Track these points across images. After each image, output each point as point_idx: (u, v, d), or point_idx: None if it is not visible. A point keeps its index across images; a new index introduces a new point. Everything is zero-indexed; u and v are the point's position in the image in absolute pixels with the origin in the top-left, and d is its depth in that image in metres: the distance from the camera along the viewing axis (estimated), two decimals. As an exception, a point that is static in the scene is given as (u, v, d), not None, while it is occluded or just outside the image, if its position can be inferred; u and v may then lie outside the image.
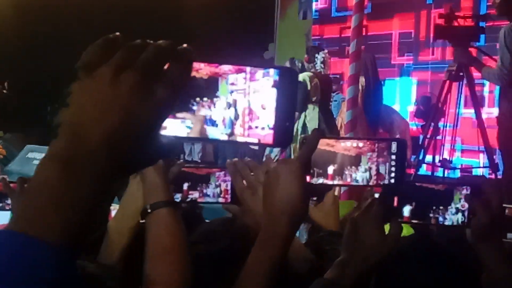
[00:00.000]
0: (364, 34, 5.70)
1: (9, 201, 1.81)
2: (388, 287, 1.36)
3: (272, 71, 0.72)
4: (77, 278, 0.60)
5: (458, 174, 6.50)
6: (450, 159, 5.29)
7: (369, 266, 1.22)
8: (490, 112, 6.43)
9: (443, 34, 4.98)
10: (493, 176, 4.82)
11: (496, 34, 4.53)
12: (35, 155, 4.98)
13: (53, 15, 8.25)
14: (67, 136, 0.61)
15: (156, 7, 8.80)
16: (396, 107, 7.65)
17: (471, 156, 7.03)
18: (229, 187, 1.58)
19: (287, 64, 6.85)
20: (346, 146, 1.20)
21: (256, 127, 0.72)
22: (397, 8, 8.34)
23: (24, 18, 8.40)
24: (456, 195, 1.29)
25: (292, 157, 6.31)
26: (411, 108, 7.56)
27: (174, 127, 0.71)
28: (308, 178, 1.11)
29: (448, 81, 5.03)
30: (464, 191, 1.29)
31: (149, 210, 1.28)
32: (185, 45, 0.67)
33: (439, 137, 5.19)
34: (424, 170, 5.55)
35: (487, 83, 6.33)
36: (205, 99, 0.71)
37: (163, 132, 0.69)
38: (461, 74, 4.91)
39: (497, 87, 4.94)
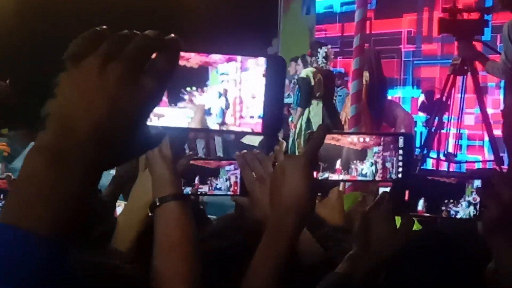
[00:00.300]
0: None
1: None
2: (397, 282, 1.35)
3: (261, 59, 0.72)
4: (67, 269, 0.59)
5: (464, 168, 6.48)
6: (455, 153, 5.28)
7: (380, 260, 1.21)
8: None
9: (447, 28, 4.95)
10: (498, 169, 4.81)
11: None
12: (40, 152, 4.96)
13: (54, 13, 8.25)
14: (55, 127, 0.61)
15: (157, 4, 8.78)
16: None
17: (475, 153, 7.02)
18: (238, 180, 1.57)
19: (300, 62, 6.84)
20: (352, 140, 1.20)
21: (249, 116, 0.72)
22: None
23: (25, 16, 8.41)
24: (468, 188, 1.28)
25: (297, 153, 6.31)
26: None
27: (174, 116, 0.71)
28: (315, 173, 1.10)
29: (452, 75, 5.01)
30: (476, 184, 1.28)
31: (157, 203, 1.26)
32: (172, 35, 0.66)
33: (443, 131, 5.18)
34: (429, 164, 5.54)
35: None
36: (194, 88, 0.71)
37: (162, 122, 0.69)
38: (465, 68, 4.90)
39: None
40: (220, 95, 0.72)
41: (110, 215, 2.04)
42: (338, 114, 6.78)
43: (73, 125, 0.60)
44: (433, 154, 5.24)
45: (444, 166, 5.32)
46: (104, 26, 0.65)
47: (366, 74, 5.57)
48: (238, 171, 1.55)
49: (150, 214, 1.29)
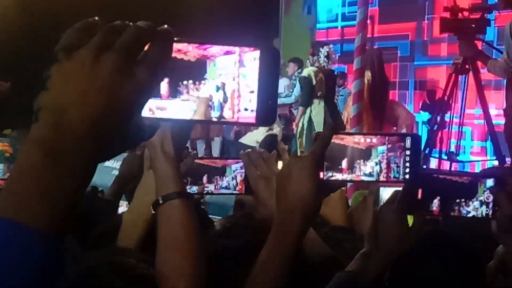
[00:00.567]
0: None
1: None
2: (402, 280, 1.35)
3: (258, 52, 0.72)
4: (63, 263, 0.59)
5: (468, 168, 6.47)
6: (457, 152, 5.27)
7: (392, 259, 1.21)
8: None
9: (449, 27, 4.95)
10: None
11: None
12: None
13: (56, 13, 8.26)
14: (48, 120, 0.60)
15: (158, 2, 8.78)
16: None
17: (479, 155, 7.03)
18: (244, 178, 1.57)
19: (310, 58, 6.82)
20: (356, 140, 1.20)
21: (246, 109, 0.72)
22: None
23: (27, 16, 8.41)
24: (481, 187, 1.28)
25: (298, 152, 6.31)
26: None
27: (177, 109, 0.70)
28: (321, 174, 1.10)
29: (454, 74, 5.00)
30: (488, 183, 1.27)
31: (161, 202, 1.25)
32: (165, 25, 0.66)
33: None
34: (433, 164, 5.52)
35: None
36: (190, 81, 0.71)
37: (164, 115, 0.69)
38: (467, 67, 4.89)
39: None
40: (218, 88, 0.72)
41: (113, 214, 2.05)
42: (340, 113, 6.78)
43: (66, 117, 0.60)
44: (435, 154, 5.22)
45: (446, 166, 5.30)
46: (96, 18, 0.65)
47: (368, 74, 5.57)
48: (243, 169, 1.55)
49: (153, 212, 1.29)
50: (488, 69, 4.66)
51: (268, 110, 0.72)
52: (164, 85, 0.70)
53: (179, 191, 1.26)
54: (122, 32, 0.63)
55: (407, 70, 8.33)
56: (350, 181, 1.19)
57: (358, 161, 1.18)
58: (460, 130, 5.28)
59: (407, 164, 1.18)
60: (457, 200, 1.28)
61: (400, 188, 1.27)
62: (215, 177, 1.57)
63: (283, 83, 7.97)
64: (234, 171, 1.57)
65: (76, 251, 1.38)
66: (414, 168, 1.19)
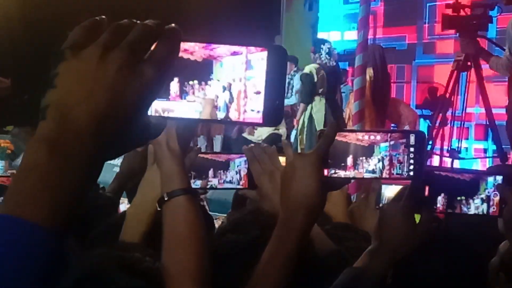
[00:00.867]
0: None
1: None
2: (405, 278, 1.35)
3: (265, 53, 0.71)
4: (66, 259, 0.59)
5: (468, 164, 6.47)
6: (459, 149, 5.26)
7: (399, 256, 1.21)
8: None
9: (451, 24, 4.94)
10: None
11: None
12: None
13: (57, 10, 8.26)
14: (55, 117, 0.60)
15: (158, 2, 8.78)
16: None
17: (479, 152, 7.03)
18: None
19: (312, 55, 6.81)
20: (359, 137, 1.19)
21: (252, 110, 0.72)
22: None
23: (28, 13, 8.41)
24: (482, 185, 1.27)
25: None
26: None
27: (183, 109, 0.70)
28: (326, 172, 1.10)
29: (455, 71, 4.99)
30: (495, 180, 1.27)
31: (166, 198, 1.25)
32: (172, 24, 0.66)
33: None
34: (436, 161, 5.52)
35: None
36: (196, 82, 0.71)
37: (170, 115, 0.69)
38: (469, 64, 4.88)
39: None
40: (224, 88, 0.72)
41: (114, 211, 2.05)
42: (341, 110, 6.78)
43: (73, 115, 0.60)
44: (436, 151, 5.22)
45: (447, 163, 5.30)
46: (103, 16, 0.65)
47: (370, 71, 5.56)
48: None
49: (158, 209, 1.28)
50: (490, 66, 4.65)
51: (275, 110, 0.72)
52: (174, 85, 0.70)
53: (185, 188, 1.25)
54: (129, 30, 0.63)
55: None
56: (353, 178, 1.18)
57: (361, 158, 1.17)
58: (462, 125, 5.27)
59: (411, 161, 1.18)
60: (458, 198, 1.28)
61: (403, 186, 1.26)
62: (219, 171, 1.57)
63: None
64: (237, 166, 1.56)
65: (74, 248, 1.38)
66: (419, 166, 1.18)
